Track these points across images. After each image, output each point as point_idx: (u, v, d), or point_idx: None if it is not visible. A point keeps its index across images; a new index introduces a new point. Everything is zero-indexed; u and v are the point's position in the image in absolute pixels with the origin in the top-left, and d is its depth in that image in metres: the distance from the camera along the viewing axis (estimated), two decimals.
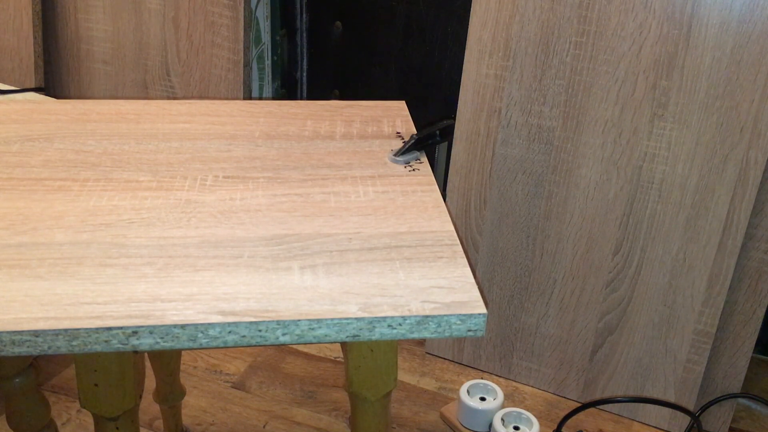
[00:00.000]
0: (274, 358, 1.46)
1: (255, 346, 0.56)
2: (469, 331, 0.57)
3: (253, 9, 1.65)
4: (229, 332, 0.54)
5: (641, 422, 1.37)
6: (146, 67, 1.62)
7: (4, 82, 1.12)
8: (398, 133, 0.85)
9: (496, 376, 1.47)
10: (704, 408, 1.32)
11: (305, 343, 0.56)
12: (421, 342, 1.54)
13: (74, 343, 0.52)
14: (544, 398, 1.42)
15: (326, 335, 0.55)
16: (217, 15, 1.52)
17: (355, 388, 0.68)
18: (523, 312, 1.41)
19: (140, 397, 0.66)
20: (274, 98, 1.82)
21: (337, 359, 1.48)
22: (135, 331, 0.53)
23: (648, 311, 1.30)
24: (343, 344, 0.69)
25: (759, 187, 1.18)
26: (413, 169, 0.77)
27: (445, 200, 0.73)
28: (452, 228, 0.67)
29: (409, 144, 0.80)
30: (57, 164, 0.74)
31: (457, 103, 1.34)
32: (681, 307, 1.28)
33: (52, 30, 1.67)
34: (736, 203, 1.19)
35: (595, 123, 1.24)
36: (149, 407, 1.26)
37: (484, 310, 0.57)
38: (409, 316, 0.56)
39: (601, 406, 1.39)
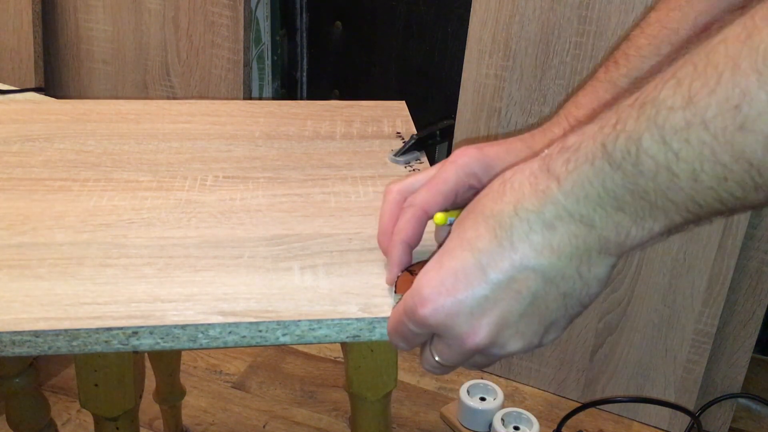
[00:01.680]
0: (274, 358, 1.46)
1: (255, 346, 0.56)
2: None
3: (253, 9, 1.65)
4: (230, 333, 0.54)
5: (641, 422, 1.37)
6: (146, 67, 1.62)
7: (4, 82, 1.12)
8: (398, 133, 0.85)
9: (496, 376, 1.47)
10: (704, 408, 1.32)
11: (305, 344, 0.56)
12: None
13: (74, 343, 0.52)
14: (544, 398, 1.42)
15: (326, 336, 0.55)
16: (217, 15, 1.52)
17: (355, 388, 0.68)
18: None
19: (140, 397, 0.66)
20: (274, 98, 1.82)
21: (337, 359, 1.48)
22: (135, 332, 0.53)
23: (648, 311, 1.30)
24: (343, 344, 0.69)
25: None
26: (413, 169, 0.77)
27: None
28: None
29: (409, 144, 0.79)
30: (57, 164, 0.74)
31: (457, 103, 1.34)
32: (681, 307, 1.28)
33: (52, 30, 1.67)
34: None
35: None
36: (149, 407, 1.26)
37: None
38: None
39: (601, 406, 1.39)
